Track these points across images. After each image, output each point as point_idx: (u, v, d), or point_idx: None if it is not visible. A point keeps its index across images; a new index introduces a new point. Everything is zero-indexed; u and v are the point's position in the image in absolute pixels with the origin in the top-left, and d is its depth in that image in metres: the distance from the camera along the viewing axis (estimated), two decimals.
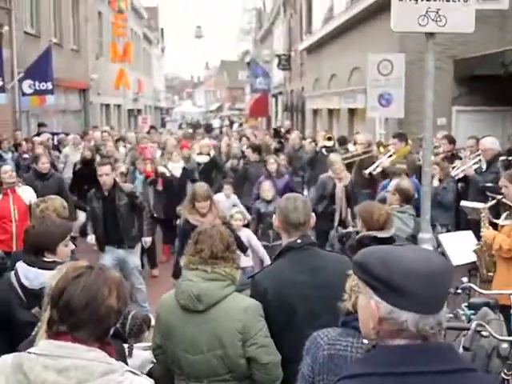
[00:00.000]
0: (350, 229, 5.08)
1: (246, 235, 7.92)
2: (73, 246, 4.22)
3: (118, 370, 2.31)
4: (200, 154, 13.03)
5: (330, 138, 13.95)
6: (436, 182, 9.33)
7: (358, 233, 5.24)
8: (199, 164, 12.70)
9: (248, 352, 3.61)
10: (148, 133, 19.36)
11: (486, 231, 6.59)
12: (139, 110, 41.83)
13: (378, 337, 1.97)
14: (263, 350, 3.62)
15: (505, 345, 4.13)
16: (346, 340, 2.75)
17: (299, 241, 3.86)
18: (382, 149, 11.88)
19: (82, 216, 11.53)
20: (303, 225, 3.90)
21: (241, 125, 38.56)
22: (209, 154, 13.02)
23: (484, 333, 4.16)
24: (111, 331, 2.46)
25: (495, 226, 6.67)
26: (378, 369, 1.90)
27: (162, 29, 61.89)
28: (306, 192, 11.40)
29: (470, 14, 5.58)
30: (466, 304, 5.49)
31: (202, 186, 6.94)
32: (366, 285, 1.97)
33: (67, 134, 17.58)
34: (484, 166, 9.91)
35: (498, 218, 7.00)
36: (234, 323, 3.61)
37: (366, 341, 2.19)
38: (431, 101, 5.78)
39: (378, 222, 5.09)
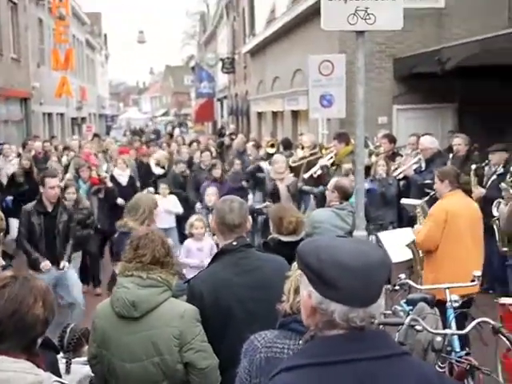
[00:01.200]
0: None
1: (210, 245, 7.56)
2: (2, 262, 4.14)
3: (45, 380, 2.28)
4: (157, 165, 12.95)
5: (272, 145, 14.03)
6: (384, 174, 9.48)
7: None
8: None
9: (185, 357, 3.60)
10: (91, 140, 19.15)
11: (417, 227, 6.75)
12: (83, 118, 41.30)
13: (317, 328, 1.99)
14: (200, 355, 3.62)
15: (438, 338, 4.22)
16: (283, 342, 2.76)
17: (235, 243, 3.87)
18: (324, 151, 12.02)
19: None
20: (239, 227, 3.92)
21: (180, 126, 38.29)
22: (163, 167, 12.94)
23: (418, 327, 4.25)
24: (39, 341, 2.43)
25: None
26: (312, 359, 1.92)
27: (105, 34, 61.28)
28: (250, 196, 11.40)
29: (397, 12, 5.74)
30: (404, 300, 5.60)
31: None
32: (303, 274, 2.00)
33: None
34: (423, 165, 10.10)
35: None
36: (171, 329, 3.60)
37: (303, 338, 2.21)
38: (362, 98, 5.88)
39: (288, 228, 5.19)
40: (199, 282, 3.87)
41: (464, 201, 6.58)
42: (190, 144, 17.13)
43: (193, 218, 7.83)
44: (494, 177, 9.00)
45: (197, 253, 7.51)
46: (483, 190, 8.81)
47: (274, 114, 23.43)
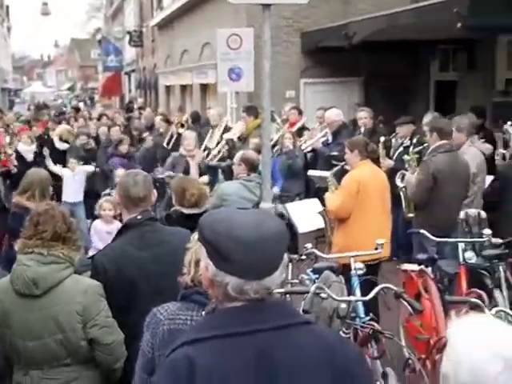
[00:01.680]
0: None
1: (117, 228, 7.45)
2: None
3: None
4: (60, 139, 12.56)
5: (182, 125, 13.93)
6: (291, 146, 9.55)
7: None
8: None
9: (89, 334, 3.54)
10: None
11: (327, 194, 6.87)
12: None
13: (218, 300, 1.99)
14: (105, 331, 3.57)
15: (343, 305, 4.32)
16: (186, 314, 2.75)
17: (139, 217, 3.83)
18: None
19: None
20: (143, 200, 3.87)
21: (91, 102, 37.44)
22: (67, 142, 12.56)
23: (323, 295, 4.33)
24: None
25: None
26: (212, 332, 1.92)
27: (7, 6, 59.04)
28: (160, 170, 11.28)
29: None
30: (311, 269, 5.69)
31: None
32: (202, 246, 1.99)
33: None
34: (330, 138, 10.26)
35: None
36: (74, 306, 3.53)
37: (205, 311, 2.23)
38: (268, 71, 5.90)
39: (190, 201, 5.18)
40: (103, 257, 3.82)
41: (373, 171, 6.73)
42: (99, 118, 16.78)
43: (102, 199, 7.68)
44: (401, 149, 9.25)
45: (106, 235, 7.37)
46: (392, 162, 9.02)
47: (183, 87, 23.22)
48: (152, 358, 2.66)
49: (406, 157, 8.04)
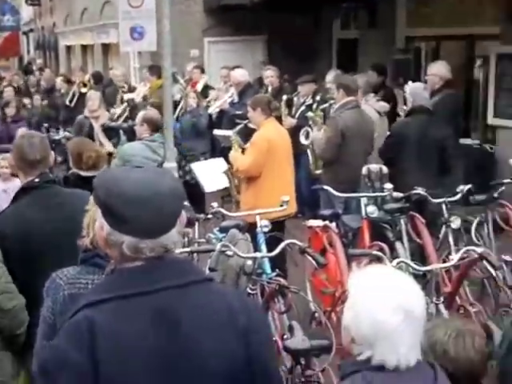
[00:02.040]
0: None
1: (14, 187, 7.27)
2: None
3: None
4: None
5: (85, 85, 13.56)
6: (194, 105, 9.46)
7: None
8: None
9: None
10: None
11: (232, 153, 6.86)
12: None
13: (116, 261, 1.96)
14: (6, 296, 3.48)
15: (249, 262, 4.35)
16: (86, 278, 2.70)
17: (37, 180, 3.71)
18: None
19: None
20: (40, 162, 3.75)
21: None
22: None
23: (228, 252, 4.34)
24: None
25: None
26: (111, 293, 1.89)
27: None
28: (61, 133, 10.95)
29: None
30: (217, 228, 5.69)
31: None
32: (97, 206, 1.96)
33: None
34: (236, 98, 10.22)
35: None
36: None
37: (106, 271, 2.19)
38: (169, 30, 5.79)
39: (87, 163, 5.11)
40: (2, 222, 3.67)
41: (278, 129, 6.78)
42: None
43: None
44: (303, 107, 9.32)
45: (3, 195, 7.11)
46: (294, 120, 9.09)
47: (84, 47, 22.53)
48: (53, 323, 2.61)
49: (309, 114, 8.11)
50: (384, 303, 1.98)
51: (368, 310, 1.99)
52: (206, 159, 8.74)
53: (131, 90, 11.73)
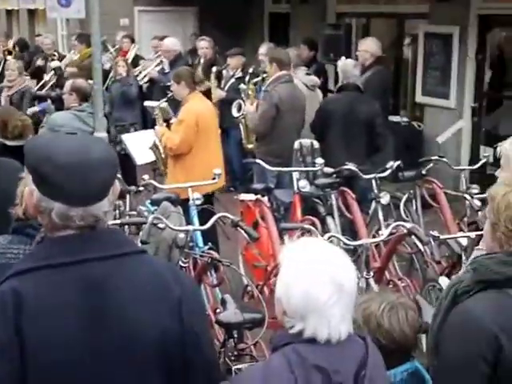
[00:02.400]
0: None
1: None
2: None
3: None
4: None
5: (10, 53, 13.14)
6: (124, 74, 9.27)
7: None
8: None
9: None
10: None
11: (158, 128, 6.77)
12: None
13: (47, 229, 1.91)
14: None
15: (181, 235, 4.30)
16: (18, 247, 2.62)
17: None
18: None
19: None
20: None
21: None
22: None
23: (160, 225, 4.29)
24: None
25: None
26: (40, 262, 1.84)
27: None
28: None
29: None
30: (149, 201, 5.61)
31: None
32: (28, 173, 1.91)
33: None
34: (166, 67, 10.07)
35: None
36: None
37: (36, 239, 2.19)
38: None
39: (13, 133, 5.01)
40: None
41: (205, 102, 6.69)
42: None
43: None
44: (233, 80, 9.27)
45: None
46: (223, 93, 9.02)
47: (9, 12, 21.80)
48: None
49: (242, 86, 8.05)
50: (315, 276, 1.98)
51: (299, 282, 1.98)
52: (135, 130, 8.61)
53: (61, 58, 11.40)
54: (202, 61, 9.91)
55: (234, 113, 7.89)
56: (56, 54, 11.98)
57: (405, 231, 4.70)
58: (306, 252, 2.05)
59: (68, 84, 6.46)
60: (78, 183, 1.81)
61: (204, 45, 10.10)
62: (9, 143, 4.87)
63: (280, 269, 2.08)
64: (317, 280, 1.97)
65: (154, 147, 6.83)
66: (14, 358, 1.75)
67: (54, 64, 10.21)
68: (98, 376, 1.81)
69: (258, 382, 1.98)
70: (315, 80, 8.16)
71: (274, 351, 2.07)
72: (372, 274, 4.79)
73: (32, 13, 18.95)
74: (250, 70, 9.02)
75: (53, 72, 10.09)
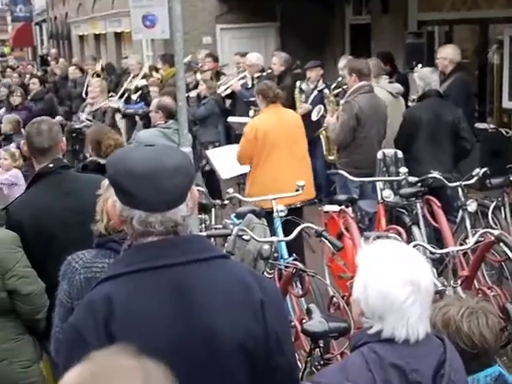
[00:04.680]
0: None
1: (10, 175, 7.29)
2: None
3: None
4: None
5: (98, 75, 13.61)
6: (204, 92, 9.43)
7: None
8: None
9: (8, 285, 3.47)
10: None
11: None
12: None
13: (132, 237, 1.99)
14: (24, 281, 3.50)
15: (266, 246, 4.34)
16: (102, 261, 2.74)
17: (51, 165, 3.73)
18: (154, 73, 11.88)
19: None
20: (49, 150, 3.77)
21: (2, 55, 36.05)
22: None
23: (245, 237, 4.34)
24: None
25: None
26: (128, 268, 1.93)
27: None
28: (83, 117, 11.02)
29: None
30: (234, 214, 5.70)
31: None
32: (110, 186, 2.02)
33: None
34: (250, 82, 10.20)
35: None
36: None
37: (123, 247, 2.24)
38: (179, 14, 5.82)
39: (106, 152, 5.06)
40: (17, 209, 3.72)
41: (279, 115, 6.62)
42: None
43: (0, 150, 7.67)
44: (315, 92, 9.31)
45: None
46: (309, 106, 9.06)
47: (97, 36, 22.57)
48: (71, 307, 2.63)
49: (326, 91, 8.05)
50: (393, 276, 2.00)
51: (377, 282, 2.01)
52: (215, 147, 8.75)
53: (147, 78, 11.72)
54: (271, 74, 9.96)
55: (313, 117, 7.88)
56: (141, 72, 12.31)
57: (492, 238, 4.61)
58: (383, 253, 2.08)
59: (154, 102, 6.67)
60: (152, 190, 1.89)
61: (273, 61, 10.10)
62: (102, 162, 5.00)
63: (357, 270, 2.10)
64: (394, 280, 1.99)
65: None
66: None
67: (141, 83, 10.51)
68: (184, 376, 1.82)
69: (338, 377, 2.01)
70: (399, 87, 8.09)
71: (353, 351, 2.10)
72: (459, 282, 4.70)
73: (118, 36, 19.55)
74: (334, 84, 9.00)
75: (140, 92, 10.39)
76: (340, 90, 8.47)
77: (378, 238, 4.72)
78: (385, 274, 2.01)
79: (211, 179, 8.07)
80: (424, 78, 6.96)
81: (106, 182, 2.53)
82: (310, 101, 9.30)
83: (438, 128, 6.69)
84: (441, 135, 6.70)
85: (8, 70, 16.07)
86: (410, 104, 8.16)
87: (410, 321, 1.98)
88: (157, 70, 11.91)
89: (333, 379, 2.03)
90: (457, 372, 2.01)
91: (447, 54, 8.15)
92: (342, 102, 7.48)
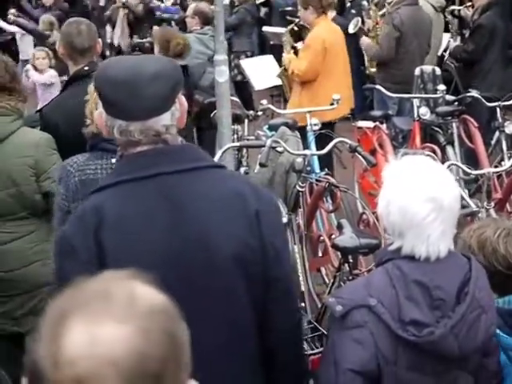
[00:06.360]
0: None
1: (50, 75, 7.46)
2: None
3: None
4: None
5: None
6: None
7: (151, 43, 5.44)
8: None
9: (43, 187, 3.47)
10: None
11: (285, 55, 6.71)
12: None
13: (122, 147, 1.99)
14: None
15: (299, 159, 4.30)
16: (96, 163, 2.76)
17: (86, 68, 3.68)
18: None
19: None
20: (89, 50, 3.74)
21: None
22: None
23: (279, 149, 4.30)
24: None
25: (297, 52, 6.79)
26: (118, 178, 1.93)
27: None
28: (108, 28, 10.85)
29: None
30: (266, 126, 5.64)
31: None
32: None
33: None
34: None
35: (299, 41, 7.12)
36: (25, 159, 3.42)
37: (114, 160, 2.33)
38: None
39: (175, 50, 5.22)
40: (52, 111, 3.71)
41: (332, 27, 6.53)
42: None
43: (35, 49, 7.79)
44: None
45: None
46: (333, 14, 8.63)
47: None
48: (68, 210, 2.67)
49: (364, 3, 7.81)
50: (413, 193, 1.98)
51: (398, 199, 2.00)
52: (247, 57, 8.57)
53: None
54: None
55: (350, 29, 7.66)
56: None
57: None
58: (407, 169, 2.06)
59: (191, 7, 6.55)
60: (130, 98, 1.86)
61: None
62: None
63: (383, 185, 2.08)
64: (414, 197, 1.98)
65: (282, 74, 6.82)
66: (90, 263, 1.80)
67: None
68: (179, 280, 1.84)
69: (361, 293, 2.02)
70: (442, 1, 7.82)
71: (378, 267, 2.11)
72: (493, 204, 4.65)
73: None
74: None
75: None
76: None
77: (413, 155, 4.68)
78: (406, 189, 2.00)
79: (243, 90, 7.96)
80: None
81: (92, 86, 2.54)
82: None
83: (508, 40, 6.57)
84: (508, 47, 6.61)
85: None
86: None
87: (431, 238, 1.97)
88: None
89: (356, 295, 2.04)
90: (481, 290, 2.01)
91: None
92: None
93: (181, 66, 4.49)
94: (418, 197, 1.97)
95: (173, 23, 9.69)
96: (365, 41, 7.17)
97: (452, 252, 2.04)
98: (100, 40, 3.94)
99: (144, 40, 9.31)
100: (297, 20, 7.15)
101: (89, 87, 2.79)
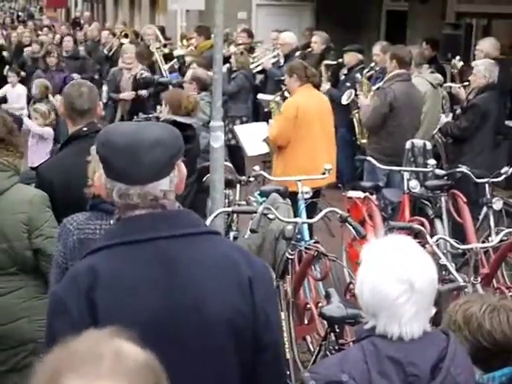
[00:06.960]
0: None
1: (48, 131, 7.59)
2: None
3: None
4: None
5: (126, 35, 13.54)
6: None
7: (157, 118, 5.38)
8: None
9: (34, 244, 3.49)
10: None
11: (271, 122, 6.84)
12: None
13: (120, 210, 2.01)
14: (50, 241, 3.49)
15: (289, 227, 4.34)
16: (95, 223, 2.80)
17: (85, 129, 3.74)
18: (184, 41, 11.83)
19: None
20: (88, 112, 3.79)
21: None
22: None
23: (270, 216, 4.35)
24: None
25: None
26: (114, 240, 1.95)
27: None
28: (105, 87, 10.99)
29: None
30: (258, 192, 5.70)
31: None
32: None
33: None
34: (282, 60, 10.14)
35: None
36: (19, 215, 3.45)
37: (112, 221, 2.28)
38: None
39: (187, 108, 5.34)
40: (48, 169, 3.76)
41: (313, 94, 6.57)
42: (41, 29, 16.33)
43: (35, 105, 7.87)
44: (343, 76, 9.23)
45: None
46: (327, 87, 8.86)
47: (132, 1, 22.52)
48: (65, 268, 2.68)
49: (358, 76, 7.99)
50: (383, 274, 2.00)
51: (370, 279, 2.02)
52: (242, 123, 8.71)
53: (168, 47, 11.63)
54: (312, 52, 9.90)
55: (343, 100, 7.81)
56: (159, 44, 12.14)
57: None
58: (383, 250, 2.09)
59: (189, 73, 6.67)
60: (130, 163, 1.91)
61: (314, 39, 10.06)
62: (178, 119, 5.10)
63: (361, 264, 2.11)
64: (386, 277, 2.00)
65: (268, 139, 6.92)
66: (82, 323, 1.78)
67: (177, 52, 10.48)
68: (169, 344, 1.86)
69: (334, 369, 2.03)
70: (439, 78, 8.05)
71: (356, 343, 2.13)
72: (480, 279, 4.69)
73: (153, 2, 19.50)
74: (367, 70, 8.89)
75: (175, 60, 10.36)
76: (373, 72, 8.41)
77: (402, 228, 4.75)
78: (379, 270, 2.02)
79: (235, 154, 8.05)
80: (491, 69, 6.86)
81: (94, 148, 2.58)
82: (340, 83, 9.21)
83: (497, 122, 6.73)
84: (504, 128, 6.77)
85: (45, 29, 16.13)
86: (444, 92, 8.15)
87: (404, 319, 1.99)
88: (187, 39, 11.85)
89: (329, 370, 2.05)
90: (458, 367, 2.00)
91: (484, 47, 8.03)
92: (373, 88, 7.44)
93: (183, 125, 4.63)
94: (390, 278, 1.98)
95: (170, 87, 9.83)
96: (363, 101, 7.32)
97: (427, 332, 2.04)
98: (101, 103, 4.02)
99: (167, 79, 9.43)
100: (284, 88, 7.31)
101: (91, 148, 2.83)
